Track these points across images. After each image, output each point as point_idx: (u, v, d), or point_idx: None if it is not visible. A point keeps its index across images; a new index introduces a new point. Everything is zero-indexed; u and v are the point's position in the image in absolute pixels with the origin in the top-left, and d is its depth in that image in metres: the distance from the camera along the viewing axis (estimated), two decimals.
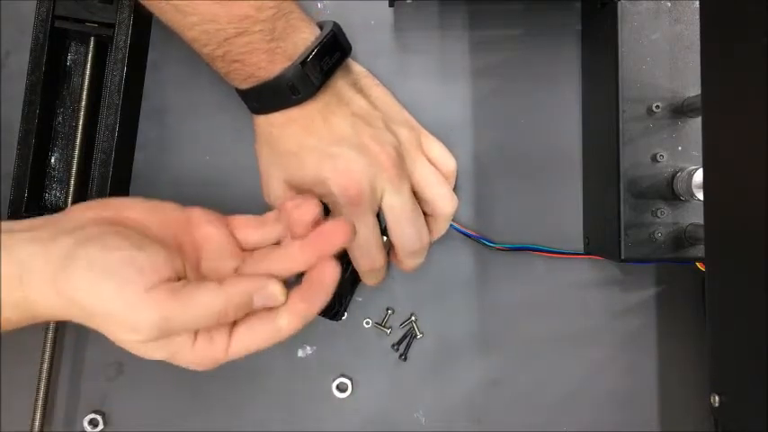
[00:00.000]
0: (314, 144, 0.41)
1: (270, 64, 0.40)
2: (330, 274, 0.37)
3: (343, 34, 0.43)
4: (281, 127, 0.42)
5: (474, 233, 0.49)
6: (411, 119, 0.47)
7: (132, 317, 0.33)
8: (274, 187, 0.44)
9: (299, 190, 0.43)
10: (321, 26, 0.42)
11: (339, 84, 0.43)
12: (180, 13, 0.39)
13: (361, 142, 0.42)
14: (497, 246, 0.49)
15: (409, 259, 0.45)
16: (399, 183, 0.42)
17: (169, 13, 0.39)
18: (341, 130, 0.42)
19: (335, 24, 0.42)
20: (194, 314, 0.34)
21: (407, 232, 0.43)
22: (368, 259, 0.43)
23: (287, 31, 0.40)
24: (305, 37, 0.41)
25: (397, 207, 0.42)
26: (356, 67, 0.46)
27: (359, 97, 0.44)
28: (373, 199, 0.42)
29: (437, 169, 0.45)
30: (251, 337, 0.37)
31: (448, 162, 0.46)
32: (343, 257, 0.44)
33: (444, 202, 0.45)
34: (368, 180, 0.41)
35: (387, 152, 0.42)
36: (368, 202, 0.41)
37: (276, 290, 0.36)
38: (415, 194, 0.44)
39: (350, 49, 0.43)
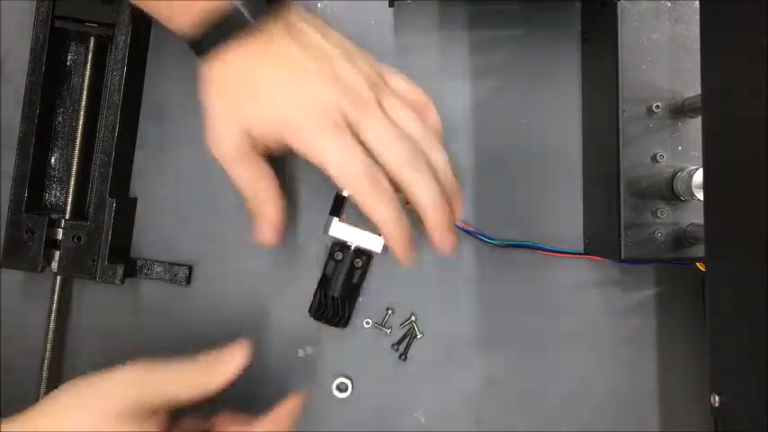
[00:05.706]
0: (273, 81, 0.39)
1: None
2: None
3: None
4: (237, 65, 0.39)
5: (472, 229, 0.49)
6: (370, 55, 0.44)
7: None
8: (228, 138, 0.40)
9: (259, 138, 0.40)
10: None
11: (293, 18, 0.41)
12: None
13: (326, 76, 0.40)
14: (495, 242, 0.49)
15: (436, 214, 0.40)
16: (374, 109, 0.40)
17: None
18: (302, 64, 0.40)
19: None
20: None
21: (402, 151, 0.40)
22: (364, 187, 0.39)
23: None
24: None
25: (380, 129, 0.40)
26: (312, 15, 0.43)
27: (318, 36, 0.41)
28: (347, 130, 0.39)
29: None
30: None
31: (416, 93, 0.44)
32: (348, 260, 0.44)
33: (421, 130, 0.41)
34: (338, 110, 0.39)
35: (354, 82, 0.40)
36: (343, 129, 0.39)
37: None
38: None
39: None
